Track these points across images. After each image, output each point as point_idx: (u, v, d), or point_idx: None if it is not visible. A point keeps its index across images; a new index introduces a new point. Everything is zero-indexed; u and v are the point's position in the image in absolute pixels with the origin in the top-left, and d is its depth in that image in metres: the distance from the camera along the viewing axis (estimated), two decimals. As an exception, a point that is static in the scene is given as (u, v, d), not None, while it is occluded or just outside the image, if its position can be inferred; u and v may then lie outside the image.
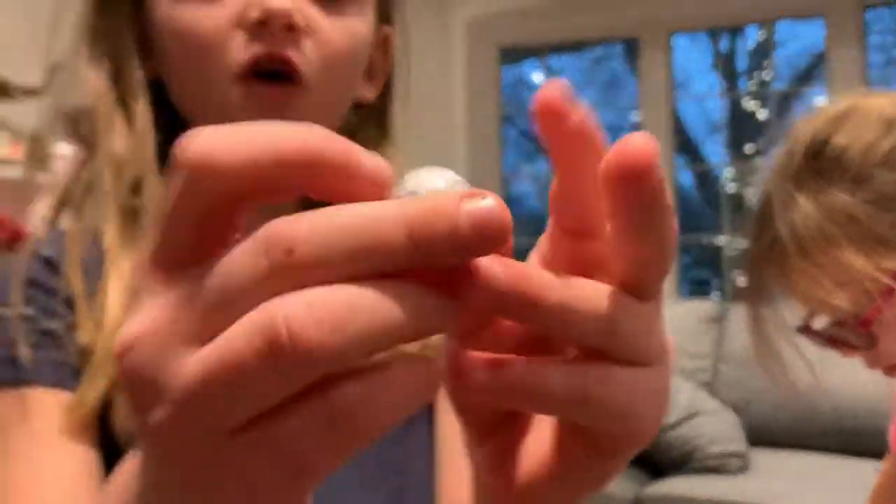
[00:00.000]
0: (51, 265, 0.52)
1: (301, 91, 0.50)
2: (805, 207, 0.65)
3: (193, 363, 0.19)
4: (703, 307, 2.65)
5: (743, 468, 2.20)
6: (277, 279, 0.18)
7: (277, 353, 0.18)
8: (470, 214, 0.19)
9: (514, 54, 3.67)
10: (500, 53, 3.44)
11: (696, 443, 2.20)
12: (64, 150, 2.59)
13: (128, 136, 0.53)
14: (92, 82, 0.54)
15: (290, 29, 0.48)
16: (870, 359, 0.69)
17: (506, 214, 0.19)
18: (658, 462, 2.25)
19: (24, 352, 0.47)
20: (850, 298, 0.64)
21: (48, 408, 0.47)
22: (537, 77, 4.28)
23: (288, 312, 0.18)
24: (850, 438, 2.22)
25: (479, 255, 0.20)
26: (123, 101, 0.54)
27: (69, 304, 0.50)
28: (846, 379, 2.18)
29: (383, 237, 0.19)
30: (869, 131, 0.65)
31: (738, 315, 2.58)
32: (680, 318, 2.62)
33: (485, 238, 0.19)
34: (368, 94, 0.60)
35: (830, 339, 0.69)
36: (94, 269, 0.50)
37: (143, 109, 0.53)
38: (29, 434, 0.47)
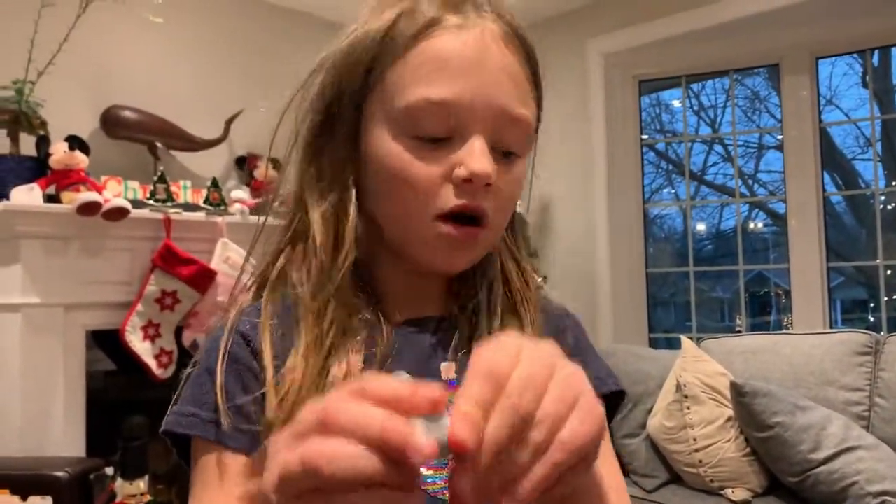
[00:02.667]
0: (248, 342, 0.64)
1: (484, 230, 0.64)
2: None
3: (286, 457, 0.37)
4: (858, 338, 2.55)
5: (904, 508, 2.11)
6: (317, 432, 0.36)
7: (305, 467, 0.35)
8: (414, 444, 0.35)
9: (652, 84, 3.68)
10: (638, 84, 3.48)
11: (852, 480, 2.14)
12: (238, 195, 2.88)
13: (332, 247, 0.65)
14: (313, 210, 0.66)
15: (486, 186, 0.61)
16: None
17: (424, 451, 0.35)
18: (808, 497, 2.21)
19: (225, 420, 0.60)
20: None
21: (233, 472, 0.61)
22: (677, 102, 4.26)
23: (307, 449, 0.36)
24: None
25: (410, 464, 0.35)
26: (336, 217, 0.66)
27: (259, 377, 0.62)
28: None
29: (371, 431, 0.35)
30: None
31: (896, 346, 2.49)
32: (832, 348, 2.55)
33: (410, 457, 0.35)
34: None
35: None
36: (287, 337, 0.63)
37: (350, 228, 0.65)
38: (218, 491, 0.61)
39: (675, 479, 2.49)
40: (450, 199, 0.61)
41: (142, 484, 2.55)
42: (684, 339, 2.66)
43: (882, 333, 2.60)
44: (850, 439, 2.23)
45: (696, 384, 2.42)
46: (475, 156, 0.60)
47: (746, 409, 2.28)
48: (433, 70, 0.60)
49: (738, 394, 2.29)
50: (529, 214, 3.20)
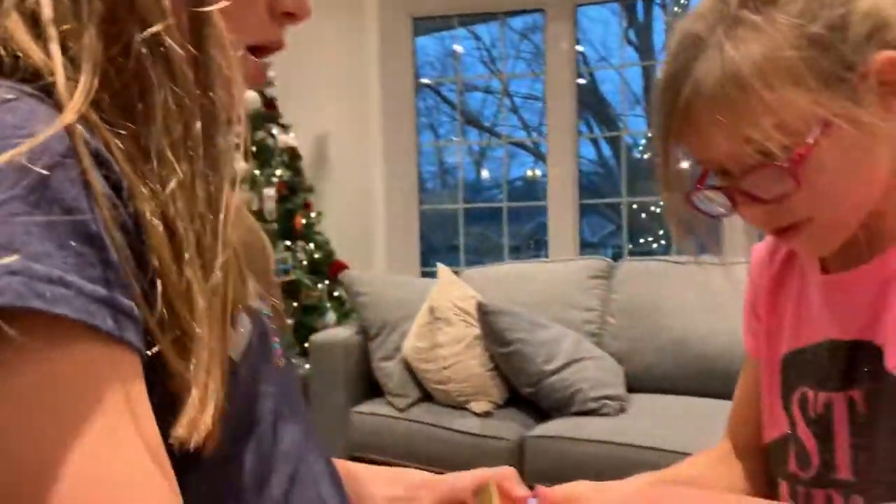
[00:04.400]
0: (113, 184, 0.37)
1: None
2: (749, 43, 0.61)
3: None
4: (595, 263, 2.80)
5: (621, 410, 2.36)
6: None
7: None
8: None
9: (428, 24, 3.76)
10: (412, 22, 3.53)
11: (578, 387, 2.35)
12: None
13: None
14: None
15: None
16: (776, 213, 0.67)
17: None
18: (542, 406, 2.41)
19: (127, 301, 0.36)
20: (785, 138, 0.62)
21: (142, 395, 0.37)
22: (459, 47, 4.38)
23: None
24: (723, 381, 2.38)
25: None
26: None
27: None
28: (717, 326, 2.37)
29: None
30: None
31: (627, 271, 2.76)
32: (572, 273, 2.78)
33: None
34: None
35: (740, 193, 0.67)
36: None
37: None
38: (135, 439, 0.35)
39: (427, 397, 2.61)
40: (261, 30, 0.50)
41: None
42: (441, 266, 2.77)
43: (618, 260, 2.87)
44: (580, 352, 2.45)
45: (448, 307, 2.54)
46: None
47: (490, 326, 2.43)
48: None
49: (483, 313, 2.43)
50: (304, 148, 3.18)
